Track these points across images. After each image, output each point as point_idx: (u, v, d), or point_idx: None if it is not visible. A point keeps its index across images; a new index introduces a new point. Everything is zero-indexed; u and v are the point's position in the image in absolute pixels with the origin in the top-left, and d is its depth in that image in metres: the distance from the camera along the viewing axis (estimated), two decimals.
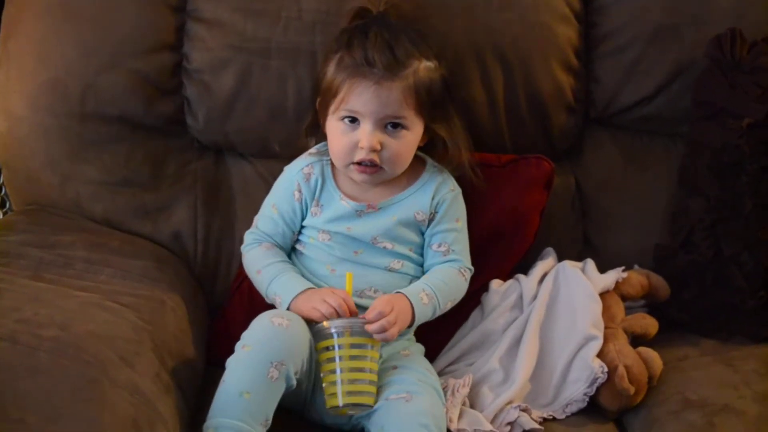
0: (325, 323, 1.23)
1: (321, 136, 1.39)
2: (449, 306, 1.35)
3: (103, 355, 1.16)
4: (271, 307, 1.34)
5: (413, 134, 1.32)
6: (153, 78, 1.47)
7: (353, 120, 1.30)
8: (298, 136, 1.42)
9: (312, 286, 1.31)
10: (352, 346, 1.23)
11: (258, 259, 1.36)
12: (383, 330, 1.23)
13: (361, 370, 1.23)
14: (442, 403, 1.27)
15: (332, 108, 1.31)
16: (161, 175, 1.49)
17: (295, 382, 1.22)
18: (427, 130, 1.36)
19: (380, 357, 1.27)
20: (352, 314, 1.25)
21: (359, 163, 1.31)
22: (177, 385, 1.25)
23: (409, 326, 1.30)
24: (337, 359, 1.22)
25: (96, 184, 1.46)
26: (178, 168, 1.50)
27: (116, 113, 1.46)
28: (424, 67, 1.31)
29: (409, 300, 1.29)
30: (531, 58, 1.50)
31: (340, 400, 1.22)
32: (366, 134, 1.28)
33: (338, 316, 1.25)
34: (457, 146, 1.37)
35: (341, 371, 1.22)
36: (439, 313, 1.33)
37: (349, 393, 1.22)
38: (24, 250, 1.33)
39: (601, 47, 1.56)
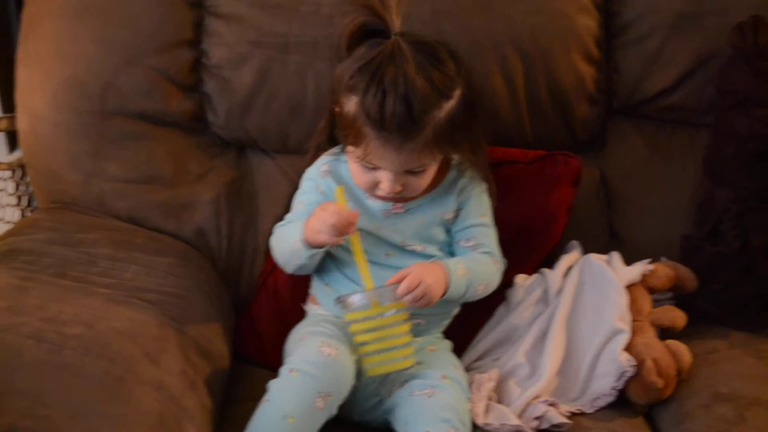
0: (353, 298, 1.23)
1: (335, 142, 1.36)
2: (480, 291, 1.33)
3: (128, 352, 1.16)
4: (299, 309, 1.31)
5: (435, 165, 1.30)
6: (172, 75, 1.46)
7: (374, 166, 1.27)
8: (318, 130, 1.40)
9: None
10: (381, 315, 1.23)
11: (283, 232, 1.35)
12: (416, 301, 1.23)
13: (396, 336, 1.23)
14: (466, 398, 1.27)
15: (353, 151, 1.26)
16: (184, 172, 1.48)
17: (336, 411, 1.21)
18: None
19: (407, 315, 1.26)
20: (351, 225, 1.24)
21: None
22: (203, 381, 1.25)
23: (442, 296, 1.27)
24: (371, 331, 1.23)
25: (119, 181, 1.46)
26: (201, 164, 1.50)
27: (137, 110, 1.46)
28: (446, 111, 1.23)
29: (446, 267, 1.27)
30: (551, 49, 1.49)
31: (381, 369, 1.24)
32: (387, 182, 1.26)
33: (341, 234, 1.24)
34: (482, 160, 1.34)
35: (377, 341, 1.23)
36: (470, 293, 1.31)
37: (384, 362, 1.24)
38: (49, 249, 1.33)
39: (622, 37, 1.54)
